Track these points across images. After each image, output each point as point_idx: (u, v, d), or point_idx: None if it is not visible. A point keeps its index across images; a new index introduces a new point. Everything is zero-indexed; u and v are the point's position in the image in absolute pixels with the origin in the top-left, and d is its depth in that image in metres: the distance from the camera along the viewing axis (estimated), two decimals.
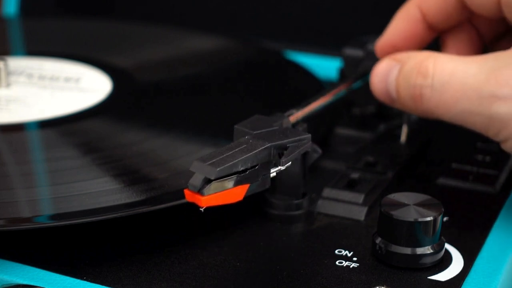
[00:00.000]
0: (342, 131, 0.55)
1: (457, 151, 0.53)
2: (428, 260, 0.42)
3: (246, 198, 0.48)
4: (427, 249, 0.42)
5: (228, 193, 0.39)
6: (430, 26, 0.51)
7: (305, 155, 0.46)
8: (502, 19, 0.49)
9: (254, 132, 0.42)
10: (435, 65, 0.45)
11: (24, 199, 0.45)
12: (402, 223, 0.42)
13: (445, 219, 0.46)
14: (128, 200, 0.44)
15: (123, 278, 0.41)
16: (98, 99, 0.56)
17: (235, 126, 0.43)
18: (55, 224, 0.42)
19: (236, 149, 0.40)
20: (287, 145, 0.42)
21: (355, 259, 0.43)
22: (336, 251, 0.44)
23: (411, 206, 0.42)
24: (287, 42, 0.72)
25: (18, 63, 0.61)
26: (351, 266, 0.43)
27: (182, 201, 0.44)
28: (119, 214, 0.42)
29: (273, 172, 0.42)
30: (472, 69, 0.44)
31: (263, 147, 0.41)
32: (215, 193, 0.39)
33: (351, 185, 0.49)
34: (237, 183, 0.40)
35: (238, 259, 0.43)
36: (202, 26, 0.76)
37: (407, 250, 0.42)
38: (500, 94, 0.43)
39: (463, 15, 0.50)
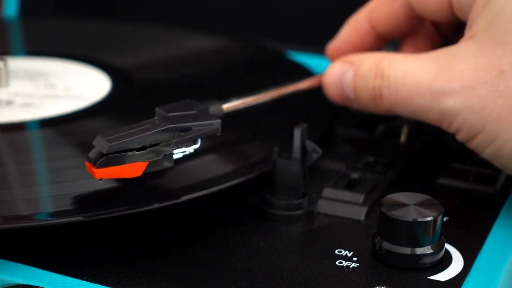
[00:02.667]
0: (342, 131, 0.55)
1: (457, 151, 0.53)
2: (428, 260, 0.42)
3: (246, 198, 0.48)
4: (427, 249, 0.42)
5: (124, 168, 0.42)
6: (379, 36, 0.53)
7: (305, 155, 0.46)
8: (455, 19, 0.50)
9: (169, 114, 0.44)
10: (389, 66, 0.47)
11: (23, 198, 0.45)
12: (402, 223, 0.42)
13: (445, 219, 0.46)
14: (127, 199, 0.44)
15: (123, 278, 0.41)
16: (98, 99, 0.56)
17: (156, 108, 0.45)
18: (54, 222, 0.42)
19: (138, 128, 0.42)
20: (191, 128, 0.43)
21: (355, 259, 0.43)
22: (336, 251, 0.44)
23: (411, 206, 0.42)
24: (287, 42, 0.71)
25: (18, 63, 0.61)
26: (351, 266, 0.43)
27: (182, 200, 0.44)
28: (119, 213, 0.42)
29: (177, 153, 0.43)
30: (424, 67, 0.46)
31: (163, 128, 0.43)
32: (110, 167, 0.41)
33: (351, 185, 0.49)
34: (132, 160, 0.42)
35: (238, 259, 0.43)
36: (202, 26, 0.76)
37: (407, 250, 0.42)
38: (447, 89, 0.45)
39: (413, 23, 0.52)
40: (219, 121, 0.45)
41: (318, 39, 0.72)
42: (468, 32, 0.47)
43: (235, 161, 0.49)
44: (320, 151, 0.47)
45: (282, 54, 0.66)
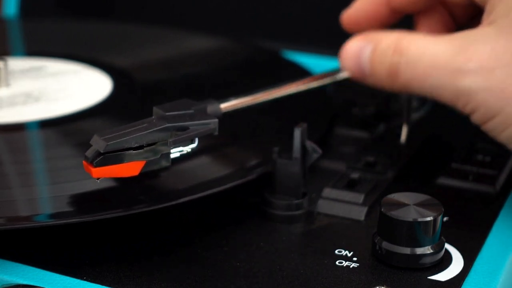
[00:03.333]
0: (342, 131, 0.55)
1: (457, 151, 0.53)
2: (428, 260, 0.42)
3: (246, 198, 0.48)
4: (427, 249, 0.42)
5: (121, 167, 0.42)
6: (394, 9, 0.53)
7: (305, 155, 0.46)
8: (471, 2, 0.50)
9: (167, 114, 0.44)
10: (409, 43, 0.48)
11: (24, 198, 0.45)
12: (402, 223, 0.42)
13: (445, 219, 0.46)
14: (128, 199, 0.44)
15: (123, 278, 0.41)
16: (98, 99, 0.56)
17: (154, 107, 0.45)
18: (54, 223, 0.42)
19: (135, 127, 0.42)
20: (189, 127, 0.44)
21: (355, 259, 0.43)
22: (336, 251, 0.44)
23: (411, 206, 0.42)
24: (286, 42, 0.71)
25: (18, 63, 0.61)
26: (351, 266, 0.43)
27: (183, 200, 0.44)
28: (119, 213, 0.42)
29: (174, 153, 0.43)
30: (442, 46, 0.47)
31: (160, 127, 0.43)
32: (107, 166, 0.41)
33: (351, 185, 0.49)
34: (129, 159, 0.42)
35: (238, 259, 0.43)
36: (202, 26, 0.76)
37: (407, 250, 0.42)
38: (465, 68, 0.45)
39: (429, 2, 0.53)
40: (216, 120, 0.45)
41: (318, 39, 0.73)
42: (487, 18, 0.47)
43: (234, 162, 0.49)
44: (320, 151, 0.47)
45: (280, 54, 0.66)
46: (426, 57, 0.47)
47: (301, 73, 0.61)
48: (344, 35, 0.61)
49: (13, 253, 0.43)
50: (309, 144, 0.46)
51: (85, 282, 0.41)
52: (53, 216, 0.43)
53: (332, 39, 0.64)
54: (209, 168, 0.48)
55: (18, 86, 0.58)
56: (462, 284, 0.42)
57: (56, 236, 0.44)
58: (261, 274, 0.42)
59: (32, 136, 0.52)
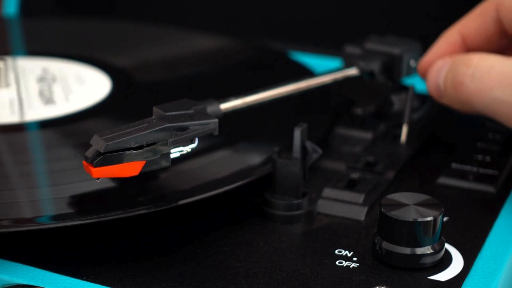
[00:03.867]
0: (342, 131, 0.55)
1: (457, 151, 0.53)
2: (428, 260, 0.42)
3: (246, 198, 0.48)
4: (427, 249, 0.42)
5: (121, 167, 0.41)
6: (469, 50, 0.54)
7: (305, 155, 0.46)
8: None
9: (166, 114, 0.44)
10: (479, 58, 0.49)
11: (26, 200, 0.45)
12: (402, 223, 0.42)
13: (445, 219, 0.46)
14: (129, 201, 0.44)
15: (123, 278, 0.41)
16: (98, 99, 0.56)
17: (154, 107, 0.45)
18: (57, 225, 0.42)
19: (135, 127, 0.42)
20: (189, 127, 0.44)
21: (355, 259, 0.43)
22: (336, 251, 0.44)
23: (411, 206, 0.42)
24: (288, 42, 0.71)
25: (18, 63, 0.61)
26: (351, 266, 0.43)
27: (183, 202, 0.44)
28: (120, 215, 0.42)
29: (174, 152, 0.43)
30: (511, 63, 0.47)
31: (160, 127, 0.43)
32: (107, 166, 0.41)
33: (351, 185, 0.49)
34: (129, 159, 0.42)
35: (238, 259, 0.43)
36: (202, 26, 0.76)
37: (407, 250, 0.42)
38: None
39: (503, 42, 0.53)
40: (216, 120, 0.45)
41: (318, 39, 0.73)
42: None
43: (234, 162, 0.49)
44: (320, 151, 0.47)
45: (284, 54, 0.66)
46: (493, 71, 0.48)
47: (303, 73, 0.61)
48: (344, 35, 0.61)
49: (13, 253, 0.43)
50: (309, 144, 0.46)
51: (85, 282, 0.41)
52: (56, 218, 0.43)
53: (338, 40, 0.64)
54: (210, 169, 0.48)
55: (17, 86, 0.58)
56: (462, 284, 0.42)
57: (57, 236, 0.44)
58: (261, 274, 0.42)
59: (32, 136, 0.52)
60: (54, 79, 0.59)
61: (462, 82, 0.49)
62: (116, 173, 0.42)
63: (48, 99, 0.56)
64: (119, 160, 0.41)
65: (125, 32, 0.69)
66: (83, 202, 0.44)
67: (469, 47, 0.54)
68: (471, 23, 0.53)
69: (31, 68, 0.61)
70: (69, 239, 0.44)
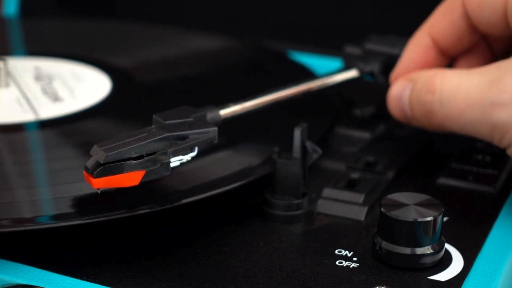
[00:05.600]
0: (342, 131, 0.55)
1: (457, 151, 0.53)
2: (428, 260, 0.42)
3: (246, 198, 0.48)
4: (427, 249, 0.42)
5: (121, 177, 0.41)
6: (442, 51, 0.52)
7: (305, 155, 0.46)
8: (510, 34, 0.49)
9: (166, 122, 0.44)
10: (442, 81, 0.47)
11: (26, 200, 0.45)
12: (402, 223, 0.42)
13: (445, 219, 0.46)
14: (129, 201, 0.44)
15: (123, 278, 0.41)
16: (98, 99, 0.56)
17: (153, 115, 0.45)
18: (57, 224, 0.42)
19: (135, 137, 0.42)
20: (188, 136, 0.43)
21: (355, 259, 0.43)
22: (336, 251, 0.44)
23: (411, 206, 0.42)
24: (287, 42, 0.71)
25: (18, 63, 0.61)
26: (351, 266, 0.43)
27: (183, 201, 0.44)
28: (119, 215, 0.42)
29: (174, 162, 0.43)
30: (475, 80, 0.46)
31: (159, 137, 0.43)
32: (107, 176, 0.41)
33: (351, 185, 0.49)
34: (129, 169, 0.42)
35: (238, 259, 0.43)
36: (202, 26, 0.76)
37: (407, 250, 0.42)
38: (499, 101, 0.44)
39: (474, 37, 0.51)
40: (216, 129, 0.45)
41: (318, 39, 0.73)
42: None
43: (234, 162, 0.49)
44: (320, 151, 0.47)
45: (283, 54, 0.66)
46: (459, 93, 0.46)
47: (305, 73, 0.61)
48: (344, 35, 0.61)
49: (13, 253, 0.43)
50: (309, 144, 0.46)
51: (85, 282, 0.41)
52: (55, 217, 0.43)
53: (333, 39, 0.64)
54: (210, 169, 0.48)
55: (18, 86, 0.58)
56: (462, 284, 0.42)
57: (57, 236, 0.44)
58: (261, 274, 0.42)
59: (32, 136, 0.52)
60: (54, 79, 0.59)
61: (431, 110, 0.47)
62: (117, 183, 0.42)
63: (55, 97, 0.56)
64: (119, 171, 0.41)
65: (125, 32, 0.69)
66: (83, 202, 0.44)
67: (441, 48, 0.52)
68: (439, 23, 0.51)
69: (31, 68, 0.61)
70: (69, 239, 0.44)
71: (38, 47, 0.65)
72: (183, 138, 0.44)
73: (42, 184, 0.46)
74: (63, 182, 0.46)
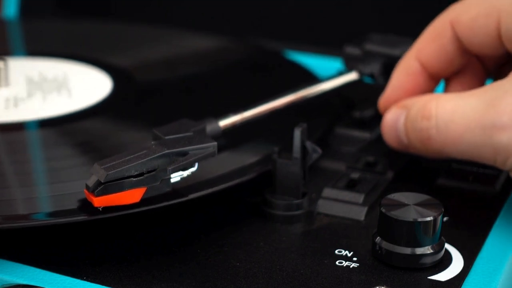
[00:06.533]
0: (342, 131, 0.55)
1: None
2: (428, 260, 0.42)
3: (246, 198, 0.48)
4: (427, 249, 0.42)
5: (122, 195, 0.42)
6: (431, 75, 0.51)
7: (305, 155, 0.46)
8: (504, 52, 0.49)
9: (166, 137, 0.44)
10: (437, 106, 0.46)
11: (22, 197, 0.45)
12: (402, 223, 0.42)
13: (445, 219, 0.46)
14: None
15: (123, 278, 0.41)
16: (98, 99, 0.56)
17: (153, 130, 0.45)
18: (52, 221, 0.42)
19: (135, 155, 0.42)
20: (188, 152, 0.43)
21: (355, 259, 0.43)
22: (336, 251, 0.44)
23: (411, 206, 0.42)
24: (287, 42, 0.72)
25: (18, 63, 0.61)
26: (351, 266, 0.43)
27: (182, 199, 0.44)
28: (119, 213, 0.42)
29: (175, 177, 0.43)
30: (472, 102, 0.45)
31: (159, 154, 0.43)
32: (108, 194, 0.41)
33: (351, 185, 0.49)
34: (130, 187, 0.42)
35: (238, 259, 0.43)
36: (203, 25, 0.76)
37: (407, 250, 0.42)
38: (500, 123, 0.44)
39: (465, 59, 0.51)
40: (215, 143, 0.45)
41: (318, 39, 0.73)
42: None
43: (234, 161, 0.49)
44: (320, 151, 0.47)
45: (281, 54, 0.66)
46: (456, 117, 0.45)
47: (303, 73, 0.61)
48: (344, 35, 0.61)
49: (13, 253, 0.43)
50: (309, 144, 0.46)
51: (85, 282, 0.41)
52: (51, 214, 0.43)
53: (333, 39, 0.64)
54: (208, 168, 0.48)
55: (18, 86, 0.58)
56: (462, 284, 0.42)
57: (56, 236, 0.44)
58: (261, 274, 0.42)
59: (32, 135, 0.52)
60: (54, 79, 0.59)
61: (428, 137, 0.46)
62: (118, 201, 0.42)
63: (54, 97, 0.56)
64: (120, 189, 0.41)
65: (125, 32, 0.69)
66: (81, 200, 0.44)
67: (430, 72, 0.51)
68: (427, 47, 0.50)
69: (30, 68, 0.61)
70: (68, 238, 0.44)
71: (38, 47, 0.65)
72: (183, 154, 0.44)
73: (39, 182, 0.46)
74: (61, 180, 0.46)
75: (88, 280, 0.41)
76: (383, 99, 0.52)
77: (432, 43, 0.50)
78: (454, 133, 0.45)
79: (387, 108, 0.51)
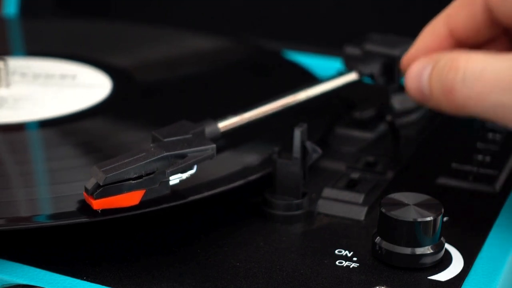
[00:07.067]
0: (342, 131, 0.55)
1: (457, 151, 0.53)
2: (428, 260, 0.42)
3: (246, 198, 0.48)
4: (427, 249, 0.42)
5: (121, 197, 0.42)
6: (458, 42, 0.51)
7: (305, 155, 0.46)
8: None
9: (165, 140, 0.44)
10: (467, 60, 0.45)
11: (24, 199, 0.45)
12: (402, 223, 0.42)
13: (445, 219, 0.46)
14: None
15: (123, 278, 0.41)
16: (98, 99, 0.56)
17: (152, 132, 0.45)
18: (54, 223, 0.42)
19: (134, 157, 0.42)
20: (187, 154, 0.44)
21: (355, 259, 0.43)
22: (336, 251, 0.44)
23: (411, 206, 0.42)
24: (286, 42, 0.71)
25: (18, 63, 0.61)
26: (351, 266, 0.43)
27: (182, 201, 0.44)
28: (120, 214, 0.42)
29: (174, 180, 0.43)
30: (505, 62, 0.44)
31: (158, 156, 0.43)
32: (107, 197, 0.41)
33: (351, 185, 0.49)
34: (129, 189, 0.42)
35: (238, 259, 0.43)
36: (202, 25, 0.76)
37: (407, 250, 0.42)
38: None
39: (494, 31, 0.50)
40: (214, 146, 0.45)
41: (318, 39, 0.73)
42: None
43: (234, 162, 0.49)
44: (320, 151, 0.47)
45: (281, 54, 0.66)
46: (486, 74, 0.44)
47: (303, 73, 0.61)
48: (344, 35, 0.61)
49: (13, 253, 0.43)
50: (309, 144, 0.46)
51: (85, 282, 0.41)
52: (53, 217, 0.43)
53: (333, 39, 0.64)
54: (209, 169, 0.48)
55: (18, 86, 0.58)
56: (462, 284, 0.42)
57: (56, 236, 0.44)
58: (261, 274, 0.42)
59: (32, 136, 0.52)
60: (54, 79, 0.59)
61: (453, 88, 0.45)
62: (117, 204, 0.42)
63: (54, 97, 0.56)
64: (118, 191, 0.42)
65: (125, 32, 0.69)
66: (81, 202, 0.44)
67: (456, 39, 0.50)
68: (458, 13, 0.50)
69: (30, 68, 0.61)
70: (68, 239, 0.44)
71: (38, 47, 0.65)
72: (182, 156, 0.44)
73: (40, 183, 0.46)
74: (61, 181, 0.46)
75: (88, 280, 0.41)
76: (406, 57, 0.51)
77: (462, 10, 0.50)
78: (481, 89, 0.44)
79: (409, 65, 0.50)
